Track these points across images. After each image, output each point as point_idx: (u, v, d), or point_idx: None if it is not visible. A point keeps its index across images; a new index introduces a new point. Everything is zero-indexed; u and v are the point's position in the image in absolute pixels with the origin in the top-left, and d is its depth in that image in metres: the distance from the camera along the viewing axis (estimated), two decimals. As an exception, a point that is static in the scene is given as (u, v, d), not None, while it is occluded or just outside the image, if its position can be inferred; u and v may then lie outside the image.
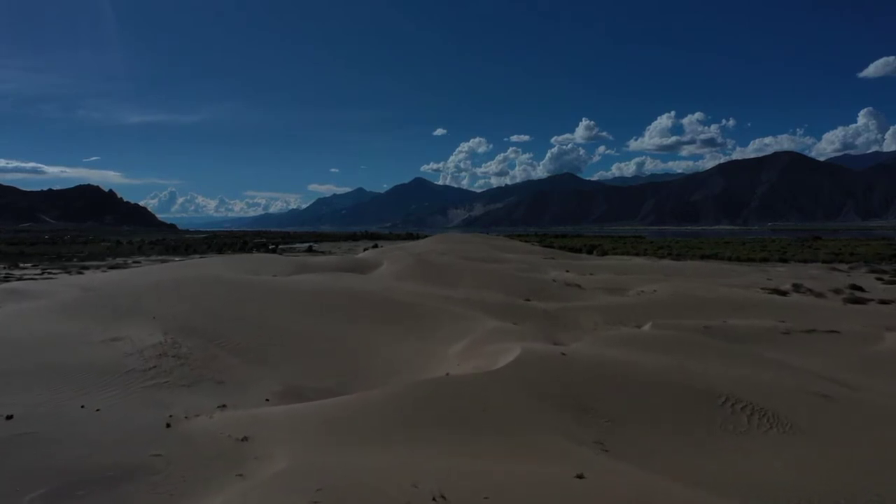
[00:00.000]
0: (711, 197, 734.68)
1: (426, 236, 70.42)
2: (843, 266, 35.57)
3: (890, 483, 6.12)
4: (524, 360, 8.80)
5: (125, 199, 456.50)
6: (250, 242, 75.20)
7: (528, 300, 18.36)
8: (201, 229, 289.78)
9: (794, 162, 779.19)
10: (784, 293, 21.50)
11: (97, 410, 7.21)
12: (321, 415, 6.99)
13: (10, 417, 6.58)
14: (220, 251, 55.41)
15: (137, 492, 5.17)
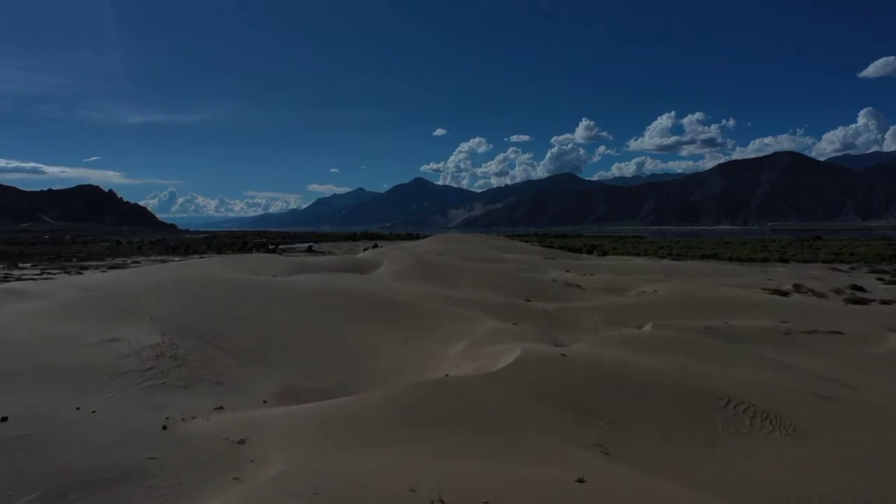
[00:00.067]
0: (711, 197, 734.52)
1: (426, 236, 70.35)
2: (844, 266, 35.51)
3: (891, 484, 6.06)
4: (524, 361, 8.74)
5: (125, 199, 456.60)
6: (250, 242, 75.15)
7: (528, 300, 18.30)
8: (201, 229, 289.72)
9: (794, 162, 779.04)
10: (785, 293, 21.44)
11: (93, 412, 7.15)
12: (319, 417, 6.92)
13: (4, 419, 6.52)
14: (219, 251, 55.35)
15: (132, 495, 5.11)
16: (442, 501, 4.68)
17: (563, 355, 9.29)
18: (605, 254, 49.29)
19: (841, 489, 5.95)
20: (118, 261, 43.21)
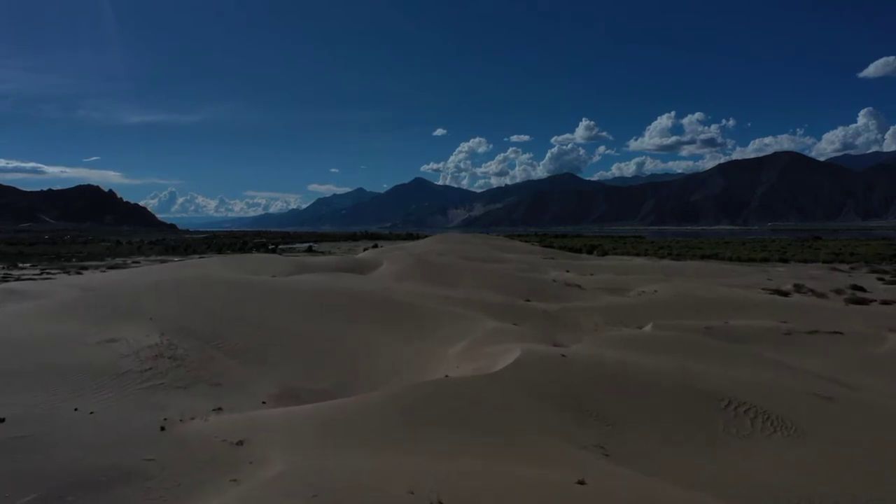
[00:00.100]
0: (711, 197, 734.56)
1: (426, 236, 70.33)
2: (844, 266, 35.48)
3: (892, 485, 6.04)
4: (524, 362, 8.71)
5: (125, 199, 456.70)
6: (250, 242, 75.13)
7: (529, 300, 18.27)
8: (201, 229, 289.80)
9: (794, 162, 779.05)
10: (785, 293, 21.41)
11: (91, 413, 7.11)
12: (318, 417, 6.89)
13: (2, 420, 6.49)
14: (219, 251, 55.34)
15: (130, 497, 5.08)
16: (441, 503, 4.66)
17: (564, 356, 9.27)
18: (605, 254, 49.27)
19: (842, 490, 5.93)
20: (118, 261, 43.18)
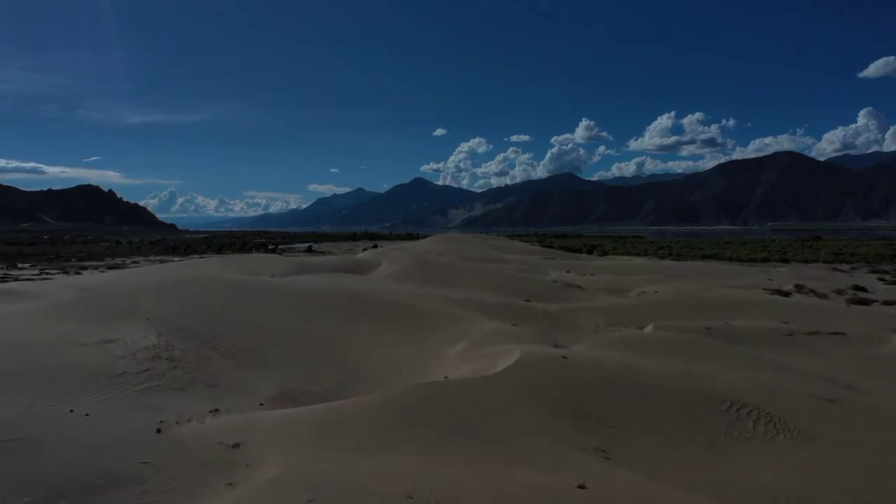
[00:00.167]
0: (711, 197, 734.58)
1: (426, 236, 70.26)
2: (845, 266, 35.42)
3: (895, 487, 5.97)
4: (524, 364, 8.63)
5: (125, 199, 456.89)
6: (250, 242, 75.08)
7: (529, 301, 18.20)
8: (201, 229, 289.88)
9: (794, 162, 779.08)
10: (786, 294, 21.34)
11: (86, 415, 7.04)
12: (315, 420, 6.81)
13: (-4, 422, 6.42)
14: (219, 251, 55.27)
15: (125, 500, 5.01)
16: (440, 508, 4.59)
17: (564, 357, 9.19)
18: (605, 254, 49.21)
19: (845, 492, 5.87)
20: (117, 261, 43.12)
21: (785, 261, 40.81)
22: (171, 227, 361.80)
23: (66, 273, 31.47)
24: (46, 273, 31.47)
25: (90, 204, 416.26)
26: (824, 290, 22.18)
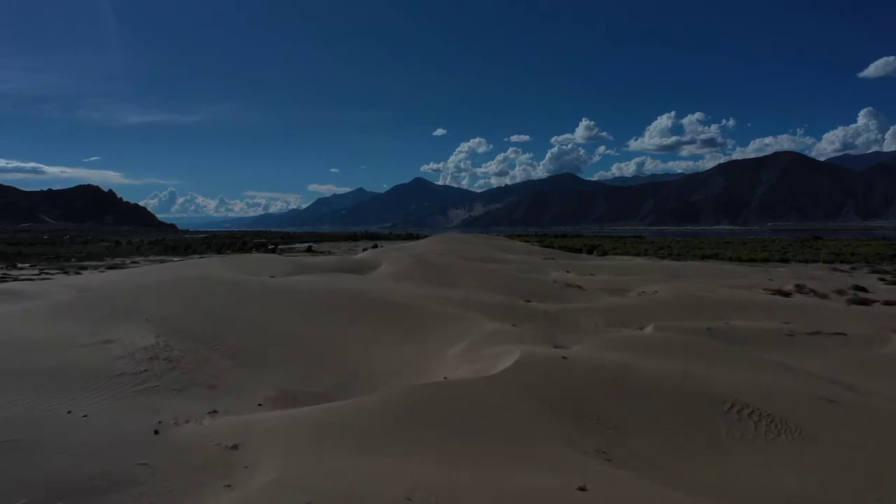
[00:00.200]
0: (711, 197, 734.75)
1: (426, 236, 70.22)
2: (845, 266, 35.39)
3: (897, 489, 5.94)
4: (524, 364, 8.60)
5: (125, 199, 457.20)
6: (250, 242, 75.05)
7: (529, 301, 18.16)
8: (201, 229, 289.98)
9: (794, 162, 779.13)
10: (787, 294, 21.30)
11: (84, 416, 7.00)
12: (315, 421, 6.77)
13: (-7, 424, 6.38)
14: (219, 251, 55.23)
15: (122, 503, 4.97)
16: (439, 510, 4.55)
17: (564, 358, 9.15)
18: (605, 254, 49.17)
19: (848, 494, 5.83)
20: (117, 261, 43.08)
21: (785, 261, 40.78)
22: (171, 227, 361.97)
23: (66, 273, 31.43)
24: (46, 273, 31.44)
25: (90, 204, 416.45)
26: (825, 290, 22.15)
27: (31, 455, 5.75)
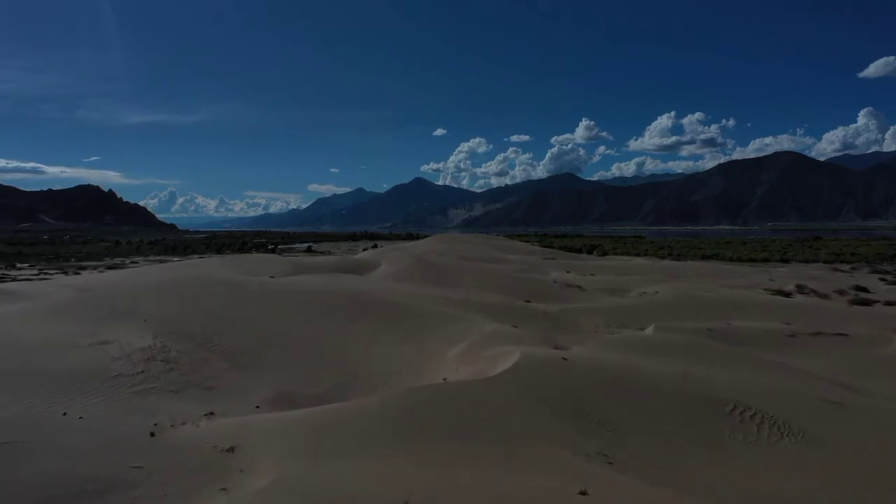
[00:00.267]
0: (711, 197, 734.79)
1: (426, 236, 70.15)
2: (845, 266, 35.31)
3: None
4: (524, 366, 8.52)
5: (125, 199, 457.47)
6: (249, 242, 74.97)
7: (529, 301, 18.08)
8: (201, 229, 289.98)
9: (794, 162, 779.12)
10: (788, 294, 21.23)
11: (80, 418, 6.93)
12: (313, 423, 6.70)
13: (-13, 426, 6.31)
14: (218, 251, 55.15)
15: (116, 506, 4.90)
16: (438, 515, 4.48)
17: (564, 359, 9.08)
18: (605, 254, 49.09)
19: (852, 498, 5.76)
20: (116, 261, 43.00)
21: (785, 261, 40.70)
22: (171, 227, 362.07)
23: (65, 273, 31.35)
24: (45, 273, 31.36)
25: (90, 204, 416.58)
26: (825, 290, 22.08)
27: (24, 458, 5.68)
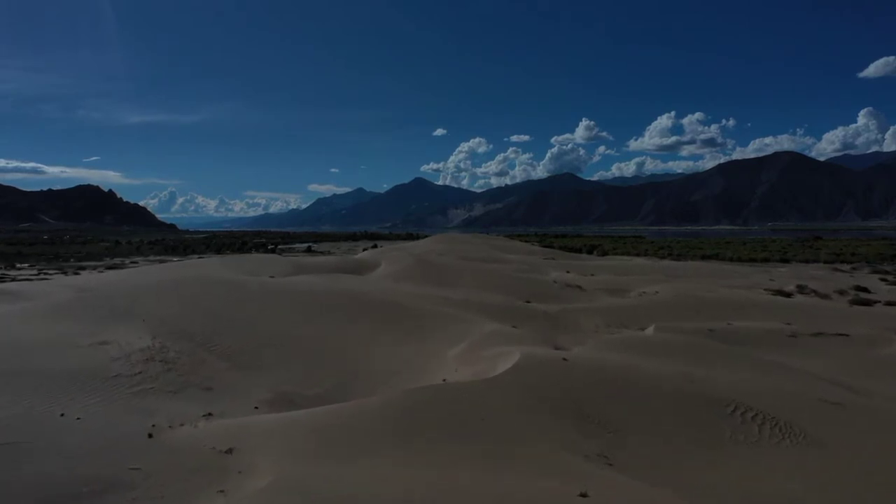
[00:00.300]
0: (711, 197, 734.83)
1: (426, 236, 70.12)
2: (846, 266, 35.28)
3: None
4: (524, 366, 8.50)
5: (125, 199, 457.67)
6: (249, 242, 74.94)
7: (529, 302, 18.06)
8: (201, 229, 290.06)
9: (794, 162, 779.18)
10: (788, 294, 21.21)
11: (78, 419, 6.90)
12: (311, 424, 6.67)
13: (-16, 427, 6.29)
14: (218, 251, 55.13)
15: (113, 508, 4.88)
16: (437, 516, 4.46)
17: (565, 359, 9.06)
18: (605, 254, 49.07)
19: (851, 497, 5.74)
20: (116, 261, 42.98)
21: (785, 261, 40.68)
22: (171, 227, 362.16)
23: (65, 273, 31.33)
24: (45, 273, 31.34)
25: (90, 204, 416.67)
26: (826, 290, 22.06)
27: (22, 459, 5.66)
